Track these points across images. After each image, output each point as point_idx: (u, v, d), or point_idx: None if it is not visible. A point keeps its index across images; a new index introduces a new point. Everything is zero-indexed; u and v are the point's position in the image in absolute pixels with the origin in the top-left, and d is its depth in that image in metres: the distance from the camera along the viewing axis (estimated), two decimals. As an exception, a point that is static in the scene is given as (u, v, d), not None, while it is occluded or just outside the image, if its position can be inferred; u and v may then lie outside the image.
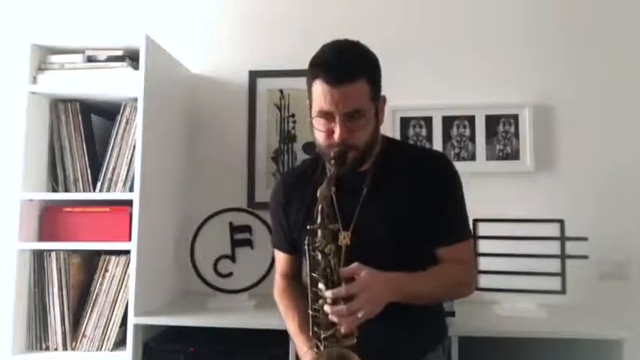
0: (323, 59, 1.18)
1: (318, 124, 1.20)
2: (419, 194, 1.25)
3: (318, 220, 1.12)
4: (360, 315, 1.07)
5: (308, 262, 1.16)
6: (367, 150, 1.23)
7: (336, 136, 1.16)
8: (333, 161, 1.16)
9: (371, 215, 1.25)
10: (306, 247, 1.14)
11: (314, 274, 1.14)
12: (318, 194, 1.12)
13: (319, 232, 1.12)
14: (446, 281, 1.25)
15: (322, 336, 1.13)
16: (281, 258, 1.47)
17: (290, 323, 1.34)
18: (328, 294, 1.09)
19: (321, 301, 1.12)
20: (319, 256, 1.12)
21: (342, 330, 1.10)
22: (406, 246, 1.24)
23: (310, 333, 1.16)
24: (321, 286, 1.12)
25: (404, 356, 1.28)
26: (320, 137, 1.21)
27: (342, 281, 1.10)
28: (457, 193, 1.30)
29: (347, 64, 1.15)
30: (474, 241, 1.78)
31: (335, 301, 1.09)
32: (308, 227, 1.13)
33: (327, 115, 1.17)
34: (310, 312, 1.15)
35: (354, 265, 1.12)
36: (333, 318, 1.09)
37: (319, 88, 1.16)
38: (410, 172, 1.27)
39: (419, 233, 1.25)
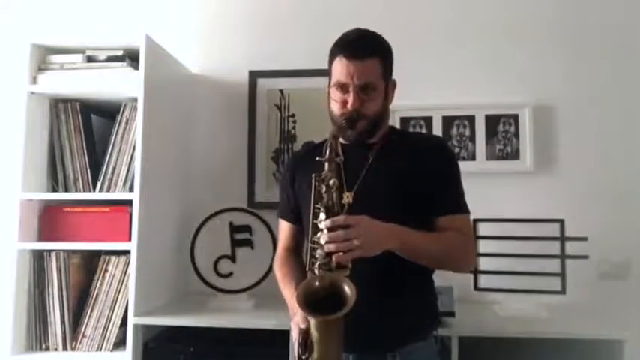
0: (344, 40, 1.34)
1: (335, 95, 1.34)
2: (421, 167, 1.34)
3: (327, 155, 1.21)
4: (356, 242, 1.11)
5: (313, 195, 1.23)
6: (375, 121, 1.35)
7: (350, 103, 1.30)
8: (344, 121, 1.30)
9: (375, 180, 1.34)
10: (312, 180, 1.22)
11: (317, 206, 1.21)
12: (328, 135, 1.25)
13: (326, 165, 1.21)
14: (445, 244, 1.29)
15: (317, 264, 1.17)
16: (284, 229, 1.54)
17: (286, 288, 1.39)
18: (327, 222, 1.15)
19: (320, 234, 1.17)
20: (323, 189, 1.20)
21: (336, 259, 1.13)
22: (406, 211, 1.29)
23: (307, 267, 1.21)
24: (322, 216, 1.18)
25: (392, 342, 1.30)
26: (335, 107, 1.35)
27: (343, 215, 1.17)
28: (456, 171, 1.39)
29: (363, 44, 1.32)
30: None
31: (333, 231, 1.14)
32: (317, 159, 1.23)
33: (343, 87, 1.32)
34: (309, 244, 1.21)
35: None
36: (330, 246, 1.13)
37: (338, 62, 1.32)
38: (413, 149, 1.39)
39: (419, 201, 1.31)
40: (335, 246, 1.13)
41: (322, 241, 1.14)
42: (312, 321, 1.13)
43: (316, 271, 1.18)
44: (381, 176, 1.34)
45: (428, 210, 1.33)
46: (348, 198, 1.30)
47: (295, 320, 1.24)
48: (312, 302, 1.13)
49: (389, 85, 1.37)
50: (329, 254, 1.15)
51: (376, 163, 1.36)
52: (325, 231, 1.14)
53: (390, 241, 1.19)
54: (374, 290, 1.25)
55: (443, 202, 1.34)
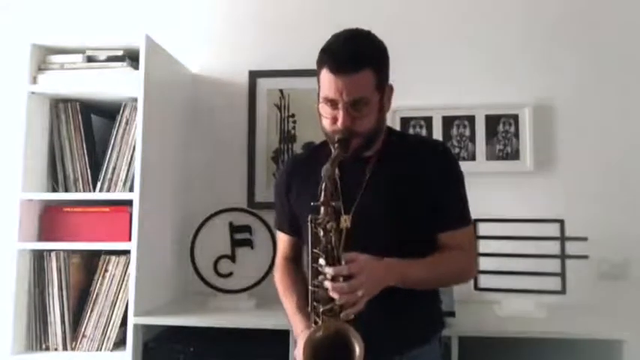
0: (331, 48, 1.21)
1: (324, 110, 1.23)
2: (420, 181, 1.27)
3: (322, 198, 1.15)
4: (359, 293, 1.09)
5: (310, 238, 1.17)
6: (371, 136, 1.25)
7: (340, 123, 1.19)
8: (337, 144, 1.20)
9: (372, 200, 1.27)
10: (308, 223, 1.17)
11: (315, 250, 1.17)
12: (322, 173, 1.15)
13: (322, 209, 1.16)
14: (446, 269, 1.27)
15: (321, 310, 1.15)
16: (283, 240, 1.50)
17: (288, 303, 1.37)
18: (329, 271, 1.11)
19: (321, 277, 1.14)
20: (321, 233, 1.16)
21: (341, 303, 1.11)
22: (406, 231, 1.26)
23: (309, 308, 1.18)
24: (321, 261, 1.15)
25: (398, 346, 1.29)
26: (325, 123, 1.24)
27: (342, 258, 1.14)
28: (458, 180, 1.33)
29: (352, 54, 1.18)
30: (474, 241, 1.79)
31: (335, 278, 1.11)
32: (312, 204, 1.16)
33: (332, 102, 1.20)
34: (310, 287, 1.17)
35: (355, 253, 1.15)
36: (334, 294, 1.11)
37: (325, 76, 1.20)
38: (412, 160, 1.30)
39: (419, 219, 1.27)
40: (339, 297, 1.11)
41: (325, 286, 1.12)
42: None
43: (319, 316, 1.16)
44: (380, 195, 1.27)
45: (429, 225, 1.28)
46: (346, 222, 1.23)
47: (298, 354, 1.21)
48: (319, 354, 1.12)
49: (384, 94, 1.25)
50: (332, 299, 1.13)
51: (374, 179, 1.28)
52: (328, 276, 1.12)
53: (390, 279, 1.17)
54: (380, 296, 1.23)
55: (445, 217, 1.29)
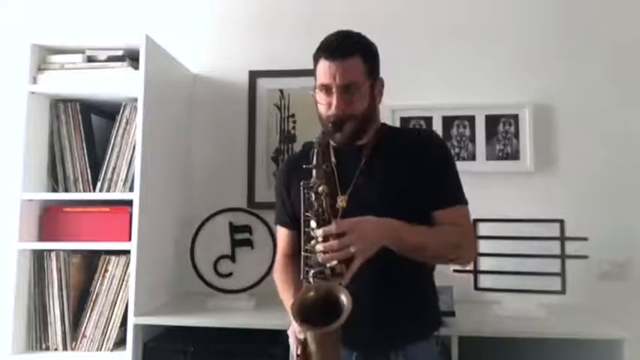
0: (325, 41, 1.33)
1: (320, 97, 1.32)
2: (414, 164, 1.32)
3: (314, 162, 1.19)
4: (352, 250, 1.10)
5: (302, 203, 1.21)
6: (364, 121, 1.32)
7: (334, 107, 1.28)
8: (330, 125, 1.28)
9: (368, 181, 1.32)
10: (301, 187, 1.21)
11: (307, 214, 1.19)
12: (314, 141, 1.22)
13: (314, 172, 1.19)
14: (442, 237, 1.27)
15: (311, 273, 1.15)
16: (282, 235, 1.52)
17: (285, 295, 1.38)
18: (319, 232, 1.13)
19: (313, 242, 1.16)
20: (312, 197, 1.18)
21: (333, 264, 1.12)
22: (402, 212, 1.26)
23: (302, 276, 1.19)
24: (312, 224, 1.16)
25: (392, 341, 1.30)
26: (321, 109, 1.32)
27: (334, 221, 1.15)
28: (451, 163, 1.37)
29: (343, 43, 1.30)
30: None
31: (326, 239, 1.13)
32: (304, 166, 1.22)
33: (326, 89, 1.29)
34: (303, 253, 1.19)
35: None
36: (325, 257, 1.12)
37: (321, 65, 1.31)
38: (404, 147, 1.36)
39: (413, 200, 1.29)
40: (330, 256, 1.11)
41: (316, 250, 1.13)
42: (309, 333, 1.12)
43: (311, 280, 1.16)
44: (374, 177, 1.32)
45: (424, 205, 1.31)
46: (342, 202, 1.30)
47: (293, 329, 1.23)
48: (308, 314, 1.11)
49: (375, 84, 1.34)
50: (324, 263, 1.13)
51: (368, 164, 1.34)
52: (320, 239, 1.13)
53: (385, 237, 1.18)
54: (376, 290, 1.25)
55: (438, 196, 1.32)
